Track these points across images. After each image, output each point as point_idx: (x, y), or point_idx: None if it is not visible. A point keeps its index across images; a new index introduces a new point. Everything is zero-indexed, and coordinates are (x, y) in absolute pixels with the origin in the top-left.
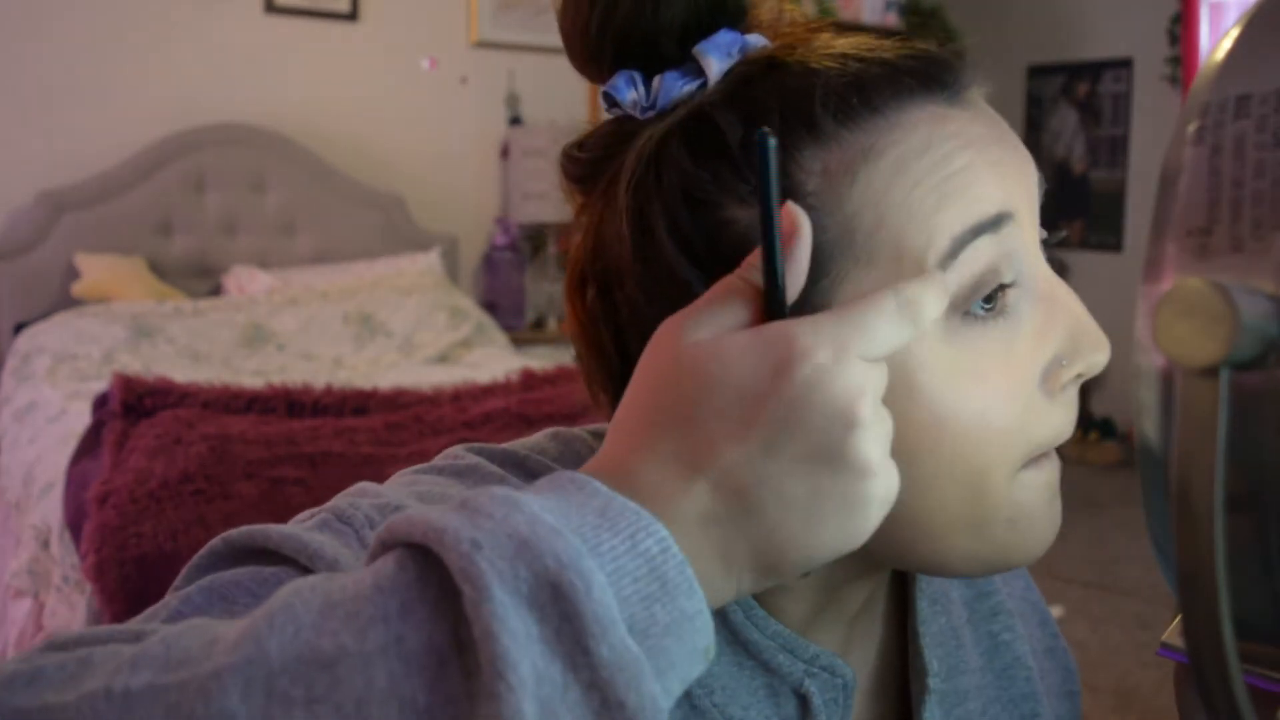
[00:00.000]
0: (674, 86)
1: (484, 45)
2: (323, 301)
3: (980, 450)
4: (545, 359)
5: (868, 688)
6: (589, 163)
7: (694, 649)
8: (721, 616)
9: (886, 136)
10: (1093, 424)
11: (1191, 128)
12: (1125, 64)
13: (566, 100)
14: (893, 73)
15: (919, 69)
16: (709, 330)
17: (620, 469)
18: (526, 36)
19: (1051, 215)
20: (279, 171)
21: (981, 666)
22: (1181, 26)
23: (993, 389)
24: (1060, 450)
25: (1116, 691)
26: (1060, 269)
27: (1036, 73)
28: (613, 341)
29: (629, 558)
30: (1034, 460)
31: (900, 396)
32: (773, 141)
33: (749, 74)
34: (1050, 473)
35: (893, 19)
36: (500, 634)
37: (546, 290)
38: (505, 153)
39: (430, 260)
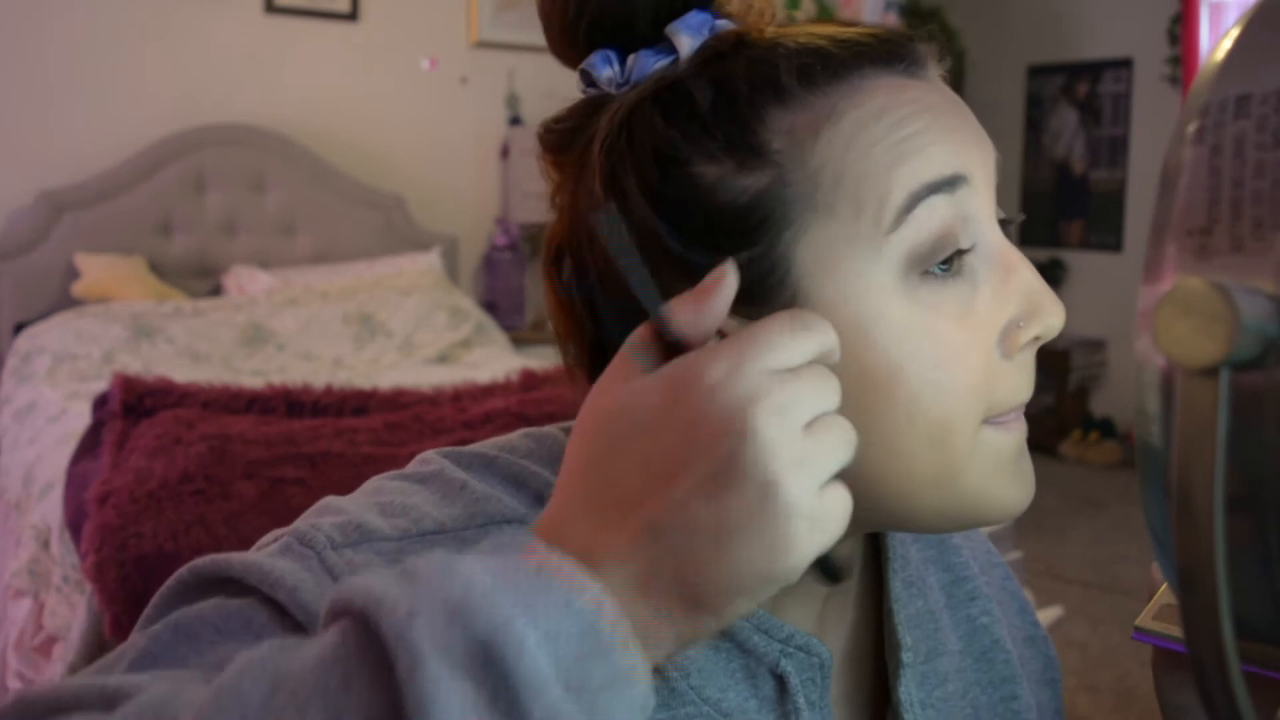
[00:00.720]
0: (648, 63)
1: (484, 45)
2: (323, 301)
3: (938, 403)
4: (545, 359)
5: (843, 667)
6: (564, 132)
7: (632, 703)
8: None
9: (848, 99)
10: (1093, 424)
11: (1191, 128)
12: (1125, 64)
13: (566, 100)
14: (853, 45)
15: (877, 43)
16: (625, 379)
17: (557, 527)
18: (526, 36)
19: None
20: (279, 171)
21: (961, 650)
22: (1181, 26)
23: (949, 345)
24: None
25: (1116, 691)
26: (1060, 269)
27: (1036, 73)
28: (587, 312)
29: (563, 617)
30: (998, 419)
31: (858, 351)
32: (612, 214)
33: (719, 49)
34: (1017, 434)
35: (893, 19)
36: (434, 702)
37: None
38: (505, 153)
39: (430, 260)
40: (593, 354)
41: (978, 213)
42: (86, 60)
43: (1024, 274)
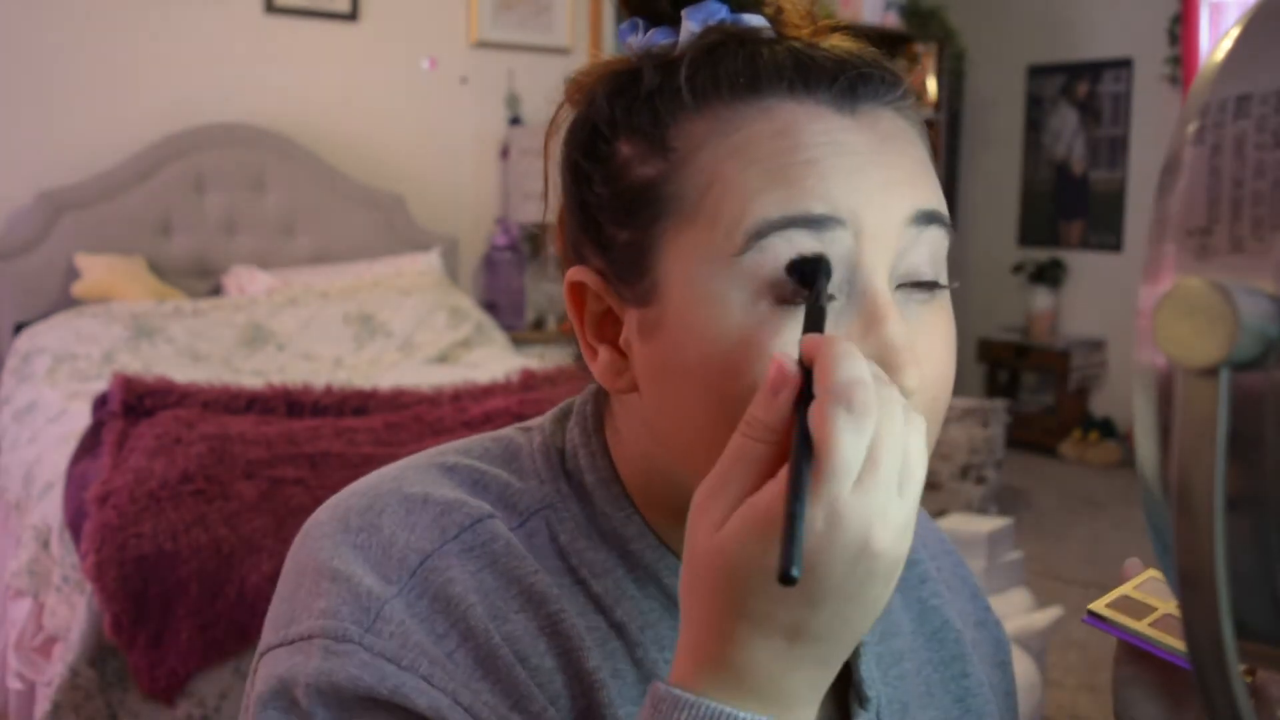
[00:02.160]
0: (655, 39)
1: (484, 45)
2: (323, 301)
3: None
4: (545, 359)
5: None
6: (583, 85)
7: None
8: (657, 582)
9: (747, 116)
10: (1093, 424)
11: (1191, 128)
12: (1125, 64)
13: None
14: (787, 68)
15: (817, 71)
16: (721, 509)
17: (728, 669)
18: (526, 36)
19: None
20: (279, 171)
21: (913, 630)
22: (1181, 26)
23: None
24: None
25: None
26: (1060, 270)
27: (1036, 73)
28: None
29: None
30: None
31: (695, 350)
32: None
33: (710, 42)
34: None
35: (892, 19)
36: None
37: (546, 290)
38: (505, 153)
39: (430, 260)
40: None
41: (857, 260)
42: (86, 60)
43: (889, 330)
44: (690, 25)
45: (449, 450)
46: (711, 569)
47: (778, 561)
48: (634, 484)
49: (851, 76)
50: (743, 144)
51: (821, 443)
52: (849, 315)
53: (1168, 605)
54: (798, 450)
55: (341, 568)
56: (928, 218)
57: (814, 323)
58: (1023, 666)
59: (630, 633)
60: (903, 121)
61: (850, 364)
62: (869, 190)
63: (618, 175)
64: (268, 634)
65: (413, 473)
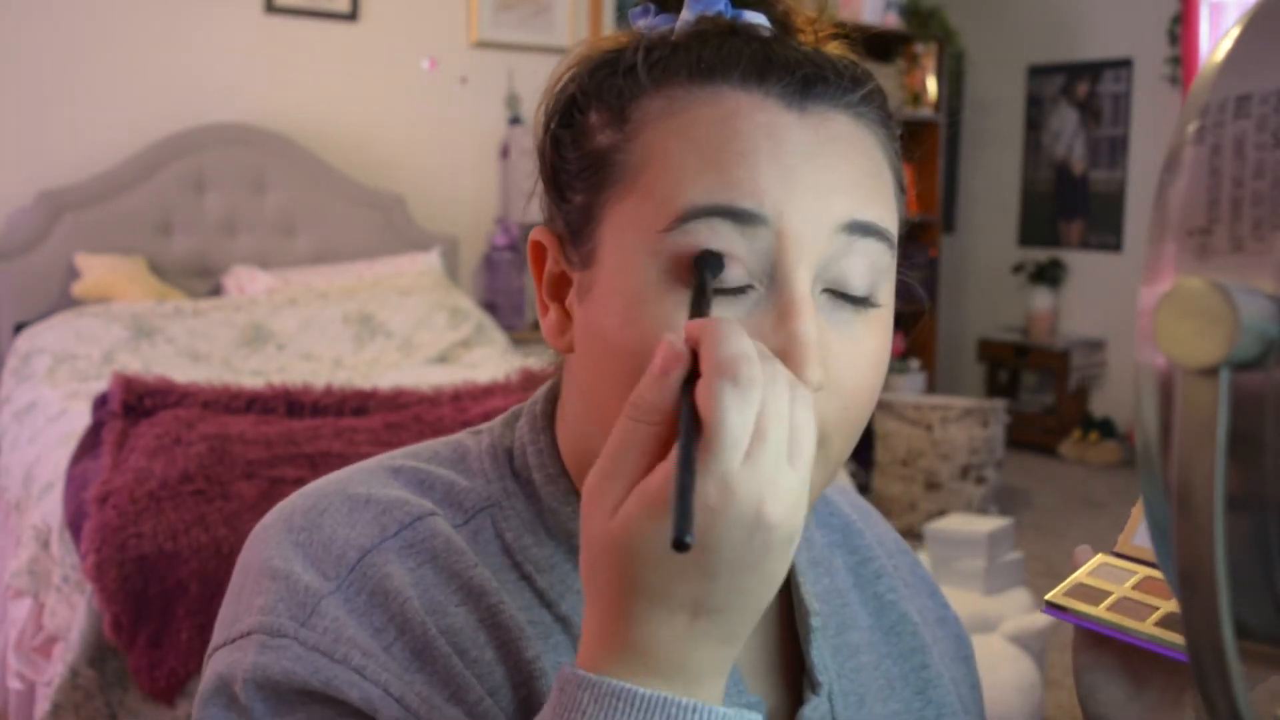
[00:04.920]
0: (659, 22)
1: (484, 45)
2: (323, 301)
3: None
4: (545, 359)
5: (756, 640)
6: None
7: None
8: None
9: (699, 100)
10: (1093, 424)
11: (1191, 128)
12: (1125, 64)
13: None
14: (743, 59)
15: (770, 65)
16: (615, 492)
17: (631, 648)
18: (526, 36)
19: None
20: (279, 171)
21: (870, 625)
22: (1181, 26)
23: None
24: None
25: None
26: (1060, 269)
27: (1036, 73)
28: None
29: None
30: None
31: (612, 315)
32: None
33: (697, 30)
34: None
35: (892, 19)
36: None
37: None
38: (505, 153)
39: (430, 260)
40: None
41: (780, 258)
42: (87, 60)
43: (798, 326)
44: (687, 14)
45: (398, 454)
46: (609, 552)
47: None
48: (580, 477)
49: (807, 73)
50: (687, 125)
51: (709, 417)
52: (765, 309)
53: (1122, 589)
54: (686, 426)
55: (281, 566)
56: (862, 229)
57: (699, 308)
58: (1023, 666)
59: (575, 626)
60: (858, 127)
61: (734, 341)
62: (798, 191)
63: (582, 141)
64: (215, 635)
65: (359, 475)
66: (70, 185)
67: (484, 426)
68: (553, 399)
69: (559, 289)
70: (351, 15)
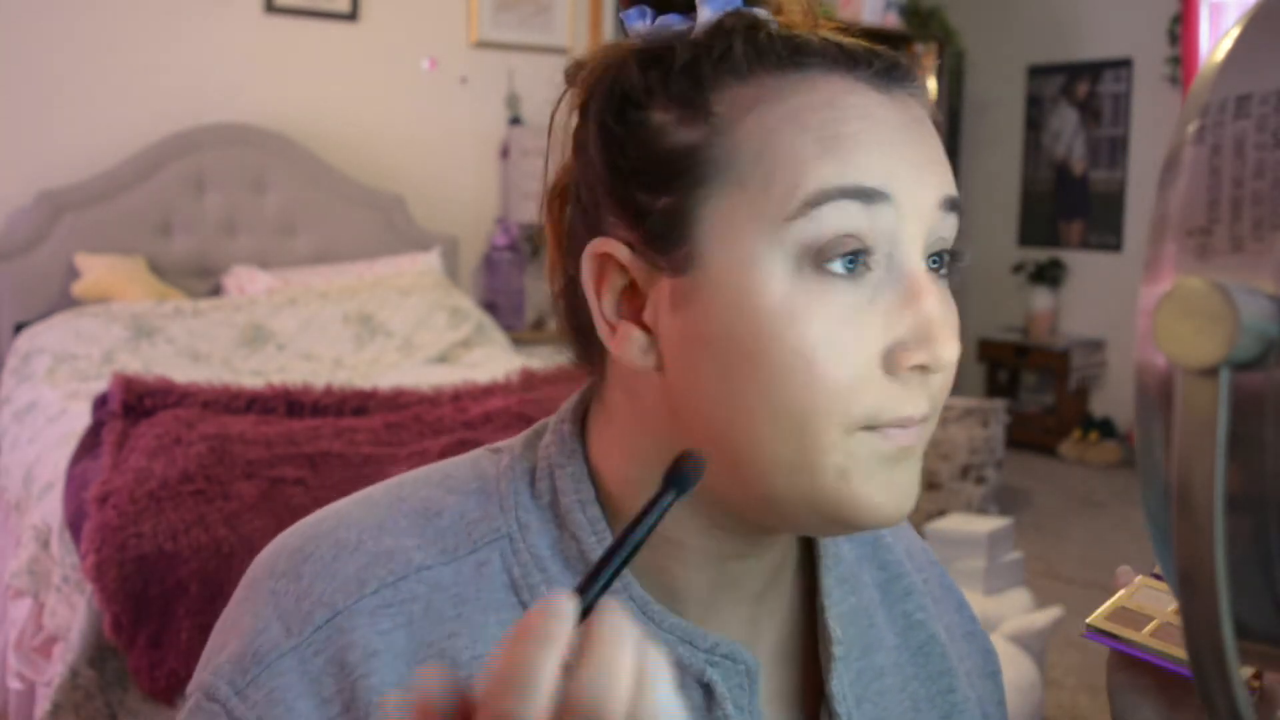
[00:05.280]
0: (669, 24)
1: (484, 45)
2: (323, 301)
3: (803, 394)
4: (545, 359)
5: (777, 665)
6: (579, 70)
7: None
8: None
9: (795, 87)
10: (1093, 424)
11: (1191, 128)
12: (1125, 64)
13: (567, 100)
14: (829, 45)
15: (855, 51)
16: None
17: None
18: (526, 36)
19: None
20: (279, 171)
21: (897, 645)
22: (1181, 26)
23: (823, 340)
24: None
25: None
26: (1060, 269)
27: (1036, 73)
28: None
29: None
30: (880, 429)
31: (733, 321)
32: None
33: (727, 25)
34: (896, 445)
35: (893, 19)
36: None
37: (546, 290)
38: (505, 153)
39: (430, 260)
40: (564, 295)
41: (898, 235)
42: (86, 60)
43: (927, 304)
44: (706, 11)
45: (410, 479)
46: None
47: None
48: (622, 502)
49: (886, 60)
50: (793, 112)
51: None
52: (886, 290)
53: (1164, 614)
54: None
55: (248, 618)
56: (951, 204)
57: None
58: (1023, 667)
59: None
60: (925, 110)
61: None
62: (906, 168)
63: (652, 140)
64: (195, 672)
65: (359, 511)
66: (70, 185)
67: (503, 445)
68: (581, 418)
69: (631, 304)
70: (351, 15)
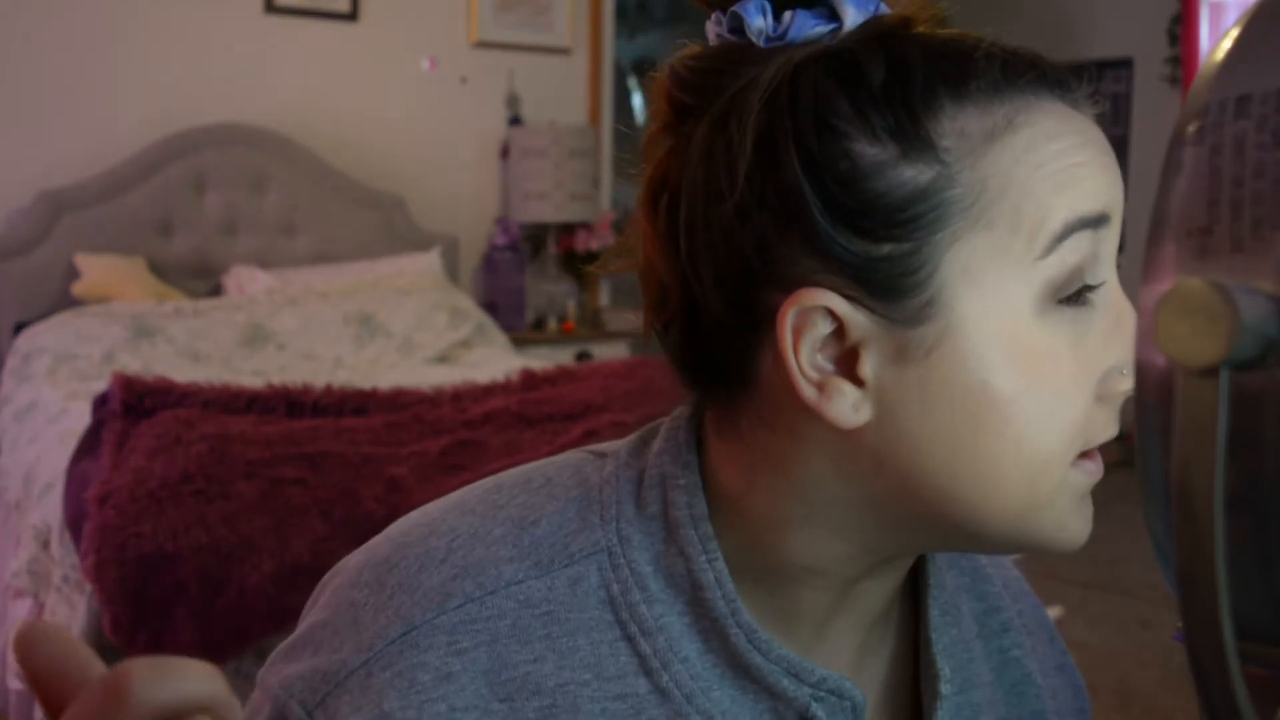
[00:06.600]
0: (806, 24)
1: (484, 45)
2: (323, 301)
3: (1045, 436)
4: (545, 359)
5: (880, 700)
6: (702, 72)
7: None
8: (723, 639)
9: (1023, 114)
10: None
11: (1191, 128)
12: (1125, 64)
13: (566, 100)
14: (1034, 63)
15: (1050, 68)
16: None
17: None
18: (526, 36)
19: None
20: (279, 171)
21: (992, 682)
22: (1181, 26)
23: (1063, 378)
24: None
25: (1117, 691)
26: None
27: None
28: (675, 257)
29: None
30: (1083, 457)
31: (985, 370)
32: None
33: (890, 30)
34: (1097, 469)
35: None
36: None
37: (546, 290)
38: (505, 153)
39: (430, 260)
40: (682, 307)
41: (1108, 255)
42: (86, 60)
43: (1131, 322)
44: (851, 10)
45: (508, 480)
46: None
47: None
48: (735, 530)
49: (1074, 79)
50: (1027, 145)
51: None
52: (1102, 309)
53: None
54: None
55: (326, 632)
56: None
57: None
58: None
59: (675, 698)
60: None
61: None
62: (1114, 186)
63: (868, 179)
64: (271, 657)
65: (453, 517)
66: (70, 185)
67: (608, 448)
68: (696, 428)
69: (838, 355)
70: (351, 15)
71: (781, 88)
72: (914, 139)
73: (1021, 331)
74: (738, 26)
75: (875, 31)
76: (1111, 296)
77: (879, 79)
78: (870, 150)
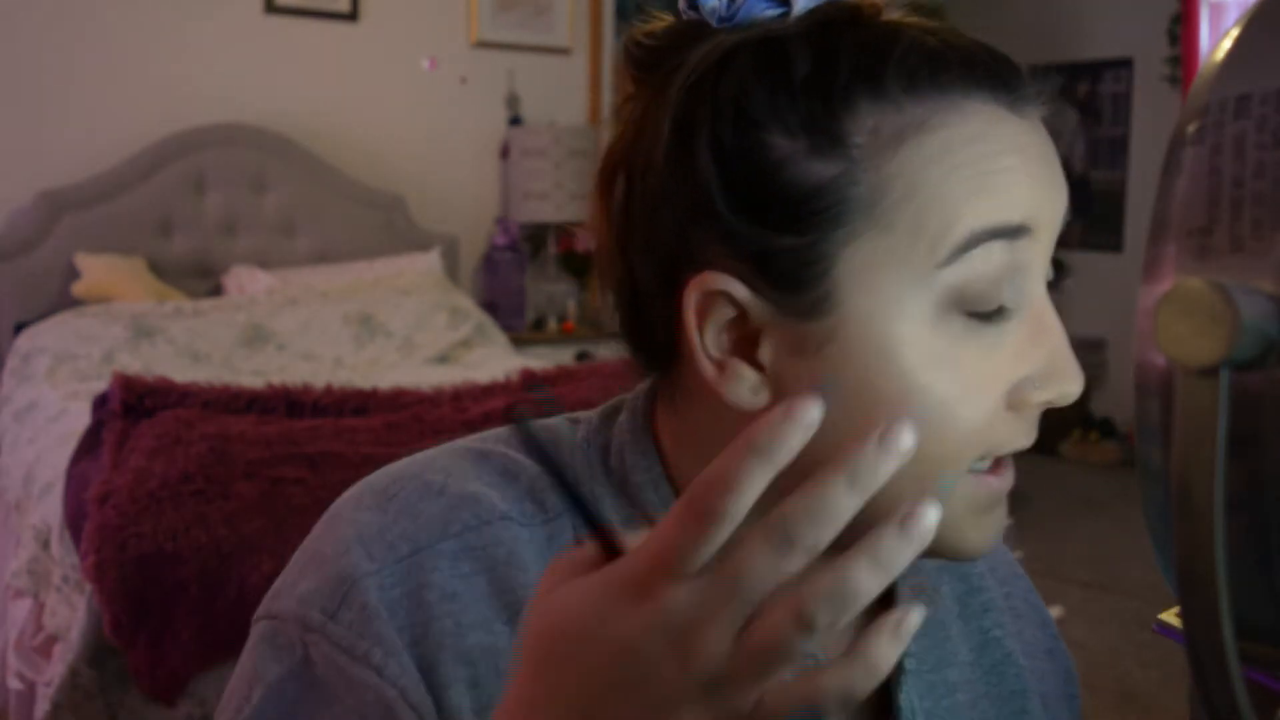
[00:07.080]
0: (756, 6)
1: (484, 45)
2: (323, 301)
3: (936, 441)
4: (545, 359)
5: None
6: (653, 50)
7: None
8: None
9: (943, 116)
10: (1093, 424)
11: (1191, 128)
12: (1125, 64)
13: (566, 100)
14: (967, 60)
15: (991, 66)
16: (564, 581)
17: None
18: (526, 36)
19: None
20: (279, 171)
21: (971, 661)
22: (1181, 26)
23: (963, 385)
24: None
25: (1117, 691)
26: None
27: (1036, 73)
28: (622, 238)
29: None
30: (984, 465)
31: (873, 372)
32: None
33: (832, 18)
34: (999, 483)
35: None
36: None
37: (546, 290)
38: (505, 153)
39: (430, 260)
40: (622, 290)
41: (1030, 266)
42: (87, 60)
43: (1054, 338)
44: None
45: (490, 436)
46: (542, 619)
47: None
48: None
49: (1020, 78)
50: (941, 148)
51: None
52: (1015, 324)
53: None
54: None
55: (328, 548)
56: (1062, 221)
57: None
58: None
59: None
60: (1044, 129)
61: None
62: (1045, 197)
63: (777, 170)
64: (264, 600)
65: (443, 458)
66: (70, 185)
67: (581, 416)
68: (650, 401)
69: (741, 339)
70: (351, 15)
71: (708, 73)
72: (826, 134)
73: (914, 336)
74: (694, 5)
75: (819, 20)
76: (1034, 308)
77: (803, 71)
78: (782, 142)
